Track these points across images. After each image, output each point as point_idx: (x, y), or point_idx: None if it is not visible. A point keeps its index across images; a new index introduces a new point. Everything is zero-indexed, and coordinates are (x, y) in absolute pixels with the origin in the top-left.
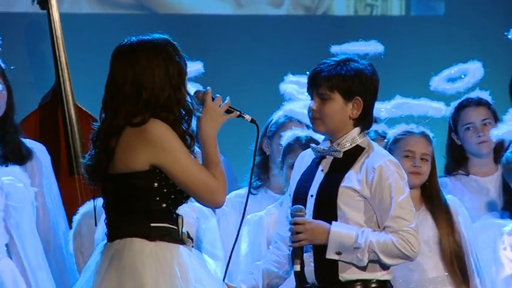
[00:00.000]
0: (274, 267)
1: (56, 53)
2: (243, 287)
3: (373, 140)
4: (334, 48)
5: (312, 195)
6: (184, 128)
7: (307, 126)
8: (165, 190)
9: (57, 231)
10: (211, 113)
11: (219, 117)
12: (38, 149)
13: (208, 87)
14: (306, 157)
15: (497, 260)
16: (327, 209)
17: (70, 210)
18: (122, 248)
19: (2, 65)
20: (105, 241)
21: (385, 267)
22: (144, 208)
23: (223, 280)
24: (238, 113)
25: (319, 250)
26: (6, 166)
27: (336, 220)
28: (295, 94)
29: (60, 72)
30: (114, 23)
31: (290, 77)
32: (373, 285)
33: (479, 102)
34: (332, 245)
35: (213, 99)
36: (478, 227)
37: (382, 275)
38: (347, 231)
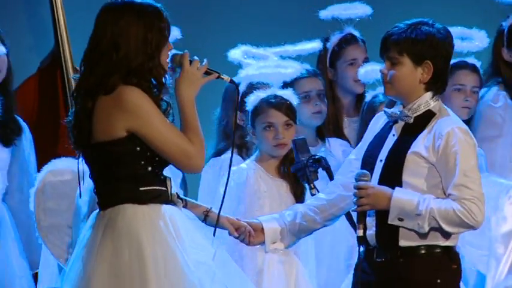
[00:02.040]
0: (311, 211)
1: (55, 16)
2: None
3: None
4: (323, 14)
5: (381, 160)
6: (157, 94)
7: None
8: (148, 153)
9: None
10: (189, 76)
11: (197, 80)
12: (24, 125)
13: (186, 50)
14: (380, 120)
15: (499, 213)
16: (393, 175)
17: None
18: (115, 216)
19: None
20: (97, 210)
21: (447, 235)
22: (131, 173)
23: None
24: (217, 74)
25: (382, 215)
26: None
27: (401, 186)
28: (242, 60)
29: (59, 35)
30: None
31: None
32: (437, 250)
33: (475, 69)
34: (394, 211)
35: (190, 62)
36: None
37: (443, 242)
38: (409, 197)
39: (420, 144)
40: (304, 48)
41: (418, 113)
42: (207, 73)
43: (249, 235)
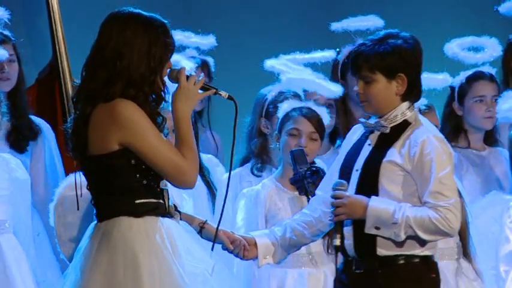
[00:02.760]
0: (300, 226)
1: (52, 28)
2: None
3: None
4: (335, 26)
5: (357, 170)
6: (153, 108)
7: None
8: (143, 166)
9: None
10: (185, 91)
11: (193, 96)
12: (44, 126)
13: (183, 66)
14: (357, 131)
15: (502, 233)
16: (370, 184)
17: None
18: (110, 228)
19: (12, 39)
20: (95, 222)
21: (423, 243)
22: (127, 186)
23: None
24: (214, 90)
25: (359, 224)
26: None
27: (377, 195)
28: (284, 69)
29: (57, 47)
30: None
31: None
32: (416, 259)
33: (492, 78)
34: (370, 220)
35: (187, 77)
36: (486, 202)
37: (421, 251)
38: (385, 206)
39: (395, 153)
40: (315, 57)
41: (395, 123)
42: (204, 89)
43: (243, 249)
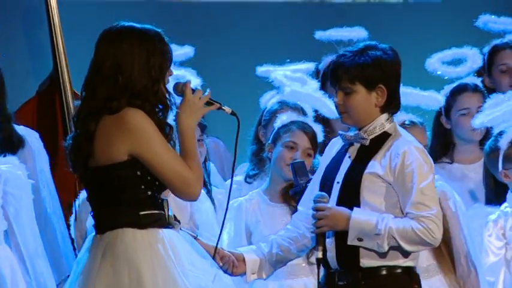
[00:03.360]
0: (286, 242)
1: (53, 40)
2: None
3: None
4: (319, 34)
5: (338, 182)
6: (161, 118)
7: (302, 111)
8: (149, 178)
9: (51, 218)
10: (190, 105)
11: (198, 110)
12: (31, 136)
13: (188, 79)
14: (336, 144)
15: (482, 246)
16: (351, 196)
17: (67, 198)
18: (113, 239)
19: None
20: (93, 234)
21: (406, 253)
22: (131, 198)
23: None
24: (219, 105)
25: (341, 236)
26: (4, 156)
27: (359, 207)
28: (285, 82)
29: (57, 59)
30: (111, 9)
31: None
32: (398, 270)
33: (476, 89)
34: (353, 232)
35: (193, 91)
36: (469, 216)
37: (404, 262)
38: (367, 217)
39: (376, 164)
40: (296, 68)
41: (374, 135)
42: (209, 103)
43: (232, 265)
